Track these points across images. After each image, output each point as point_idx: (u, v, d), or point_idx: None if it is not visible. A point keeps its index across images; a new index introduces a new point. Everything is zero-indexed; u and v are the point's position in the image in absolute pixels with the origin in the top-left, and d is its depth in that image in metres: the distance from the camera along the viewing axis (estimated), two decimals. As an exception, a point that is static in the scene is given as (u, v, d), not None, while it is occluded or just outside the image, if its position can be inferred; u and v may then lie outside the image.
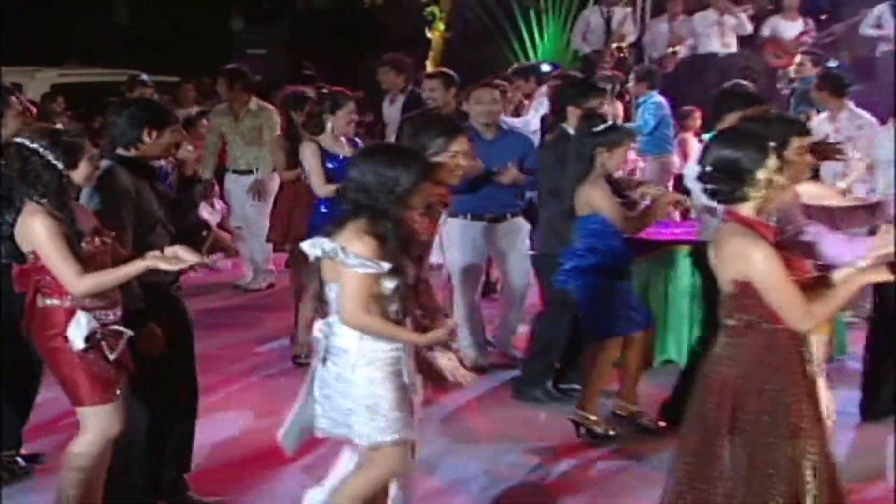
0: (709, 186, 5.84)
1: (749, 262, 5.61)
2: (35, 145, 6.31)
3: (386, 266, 5.95)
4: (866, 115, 12.59)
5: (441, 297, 10.66)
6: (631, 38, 19.99)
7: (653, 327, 9.49)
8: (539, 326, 10.02)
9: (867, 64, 18.50)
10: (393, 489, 6.60)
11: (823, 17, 19.86)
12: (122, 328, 6.54)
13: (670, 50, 19.36)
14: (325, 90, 11.64)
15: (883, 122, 11.79)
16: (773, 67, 18.67)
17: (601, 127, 9.01)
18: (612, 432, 9.01)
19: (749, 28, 19.28)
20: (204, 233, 15.32)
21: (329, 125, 10.37)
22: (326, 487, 6.74)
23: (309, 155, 10.26)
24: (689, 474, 5.87)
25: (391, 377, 6.12)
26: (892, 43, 18.00)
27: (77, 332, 6.30)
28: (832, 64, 19.25)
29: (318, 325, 6.26)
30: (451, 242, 10.60)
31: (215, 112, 14.01)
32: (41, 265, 6.34)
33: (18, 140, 6.47)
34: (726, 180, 5.74)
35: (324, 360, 6.15)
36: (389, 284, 5.94)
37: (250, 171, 13.54)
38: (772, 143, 5.75)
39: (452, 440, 8.99)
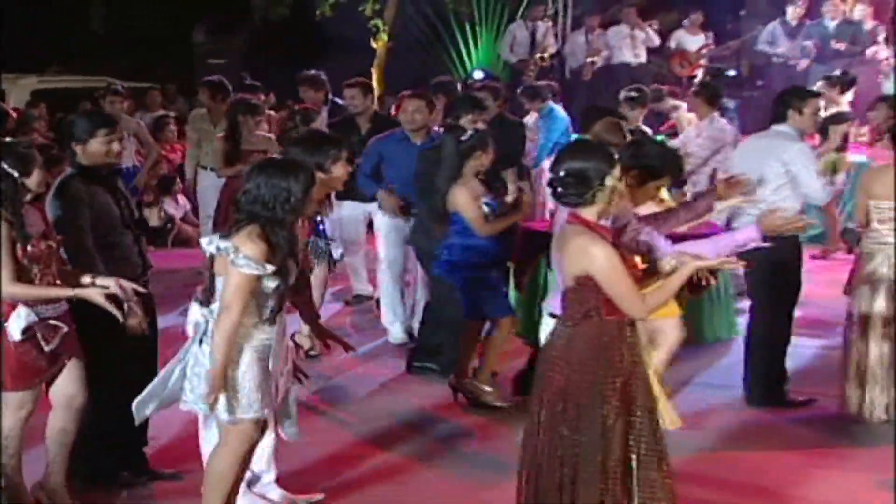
0: (559, 191, 5.88)
1: (591, 258, 5.65)
2: (4, 166, 6.34)
3: (270, 268, 5.98)
4: (728, 127, 12.73)
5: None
6: (552, 50, 20.27)
7: (514, 313, 9.39)
8: (425, 311, 10.12)
9: (761, 73, 19.12)
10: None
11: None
12: (59, 323, 6.55)
13: (588, 60, 19.66)
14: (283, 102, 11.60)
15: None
16: (679, 76, 19.08)
17: (467, 135, 9.03)
18: (499, 403, 8.96)
19: (657, 41, 19.75)
20: (168, 225, 15.58)
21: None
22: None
23: None
24: (533, 457, 5.91)
25: (258, 362, 6.14)
26: (784, 56, 18.68)
27: (15, 324, 6.35)
28: (731, 73, 20.01)
29: (201, 311, 6.27)
30: (380, 235, 10.81)
31: (196, 117, 13.74)
32: None
33: None
34: (575, 186, 5.81)
35: (200, 342, 6.14)
36: (271, 284, 6.00)
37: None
38: (615, 156, 5.84)
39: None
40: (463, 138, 8.93)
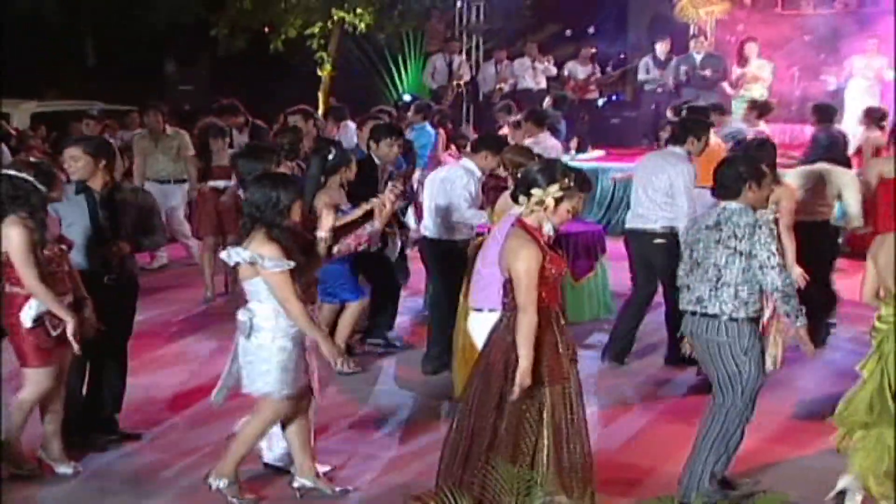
0: (515, 192, 5.95)
1: (517, 256, 5.67)
2: (25, 175, 6.55)
3: (291, 263, 6.06)
4: (555, 143, 12.93)
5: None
6: (467, 77, 20.47)
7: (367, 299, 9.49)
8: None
9: (639, 98, 19.76)
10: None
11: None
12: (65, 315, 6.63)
13: (497, 86, 19.84)
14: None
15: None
16: (573, 101, 18.84)
17: (333, 152, 9.02)
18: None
19: (554, 71, 19.98)
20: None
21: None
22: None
23: None
24: (465, 414, 5.91)
25: (296, 347, 6.24)
26: (656, 83, 19.17)
27: (28, 313, 6.54)
28: (615, 97, 20.51)
29: (239, 312, 6.29)
30: None
31: (139, 137, 13.48)
32: (9, 262, 6.53)
33: (10, 172, 6.65)
34: (522, 188, 5.87)
35: (248, 336, 6.21)
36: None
37: (168, 181, 12.97)
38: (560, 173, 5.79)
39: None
40: (329, 157, 8.95)
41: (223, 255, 6.33)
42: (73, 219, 7.18)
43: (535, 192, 5.76)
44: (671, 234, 8.93)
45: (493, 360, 5.79)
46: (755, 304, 6.24)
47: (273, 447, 6.95)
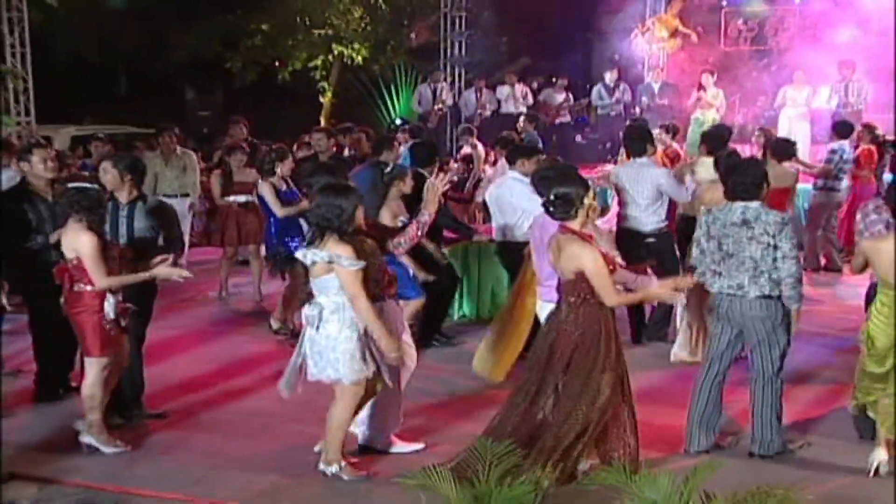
0: (551, 209, 6.13)
1: (583, 259, 5.92)
2: (95, 186, 6.76)
3: (363, 263, 6.04)
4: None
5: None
6: (449, 103, 20.47)
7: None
8: None
9: (599, 121, 19.93)
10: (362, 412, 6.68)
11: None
12: (129, 304, 6.84)
13: (478, 111, 19.82)
14: (268, 145, 11.66)
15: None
16: (546, 123, 19.20)
17: (390, 167, 9.14)
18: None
19: (531, 98, 20.02)
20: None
21: (278, 169, 10.12)
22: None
23: (267, 191, 9.99)
24: (527, 390, 6.12)
25: (361, 337, 6.13)
26: (609, 107, 19.39)
27: (108, 307, 6.62)
28: (582, 120, 20.67)
29: (307, 307, 6.22)
30: None
31: (150, 157, 12.85)
32: (80, 264, 6.57)
33: (79, 185, 6.76)
34: (564, 205, 6.09)
35: (317, 328, 6.13)
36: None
37: (175, 195, 12.43)
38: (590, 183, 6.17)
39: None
40: (385, 171, 8.97)
41: (299, 254, 6.24)
42: None
43: (586, 201, 6.06)
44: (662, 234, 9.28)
45: (563, 352, 6.02)
46: (790, 287, 6.52)
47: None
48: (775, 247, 6.41)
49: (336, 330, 6.12)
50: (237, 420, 7.64)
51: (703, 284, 6.80)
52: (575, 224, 6.09)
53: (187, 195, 12.98)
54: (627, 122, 14.75)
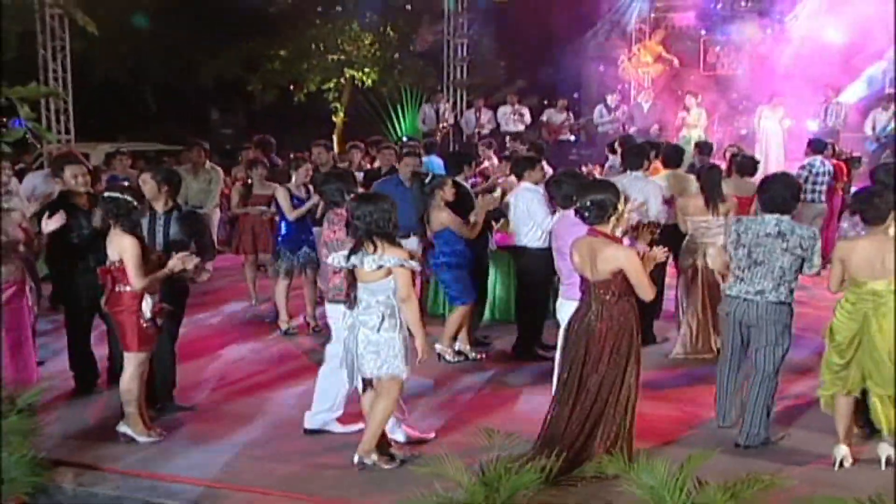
0: (585, 214, 6.01)
1: (621, 259, 5.85)
2: (124, 196, 6.66)
3: (417, 265, 6.04)
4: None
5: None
6: (451, 122, 20.46)
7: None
8: None
9: (594, 136, 19.72)
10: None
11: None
12: (166, 305, 6.83)
13: (477, 129, 19.83)
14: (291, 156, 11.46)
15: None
16: (547, 140, 19.13)
17: (430, 176, 9.06)
18: (474, 355, 8.84)
19: (529, 118, 19.83)
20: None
21: (294, 177, 10.03)
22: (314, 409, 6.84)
23: (282, 195, 9.90)
24: (570, 388, 6.01)
25: (405, 338, 6.06)
26: (609, 125, 19.30)
27: (146, 307, 6.60)
28: (576, 138, 20.53)
29: (365, 310, 6.01)
30: None
31: (182, 170, 12.46)
32: (122, 267, 6.57)
33: (111, 194, 6.73)
34: (597, 211, 6.01)
35: (378, 329, 5.97)
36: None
37: (200, 207, 11.92)
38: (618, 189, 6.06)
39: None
40: (426, 181, 8.89)
41: (368, 260, 5.93)
42: None
43: (619, 207, 5.98)
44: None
45: (600, 347, 5.96)
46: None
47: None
48: (803, 259, 6.47)
49: (394, 330, 6.02)
50: (259, 412, 7.58)
51: (709, 287, 6.73)
52: (605, 228, 6.01)
53: (214, 207, 12.88)
54: (618, 139, 14.57)
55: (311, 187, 10.04)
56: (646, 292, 5.92)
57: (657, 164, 12.64)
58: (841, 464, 6.26)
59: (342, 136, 23.32)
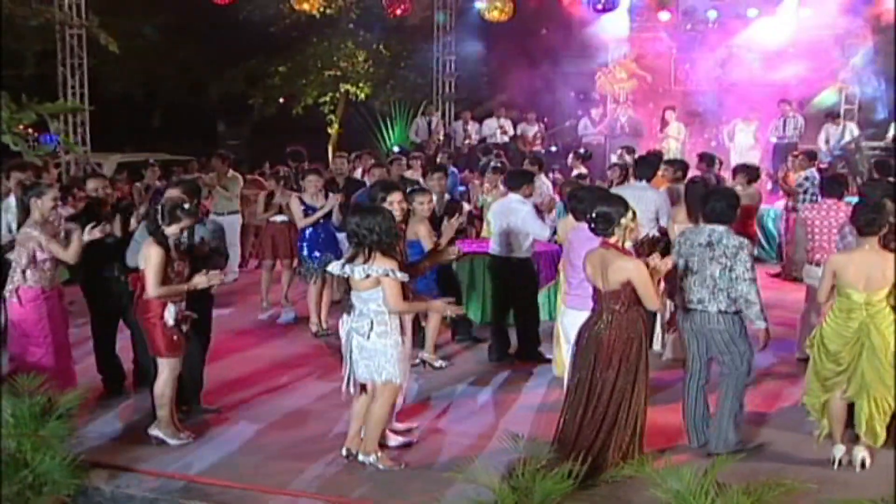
0: (592, 226, 5.90)
1: (630, 271, 5.70)
2: (182, 198, 6.50)
3: (406, 276, 5.89)
4: (546, 181, 12.39)
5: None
6: (442, 133, 20.27)
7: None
8: None
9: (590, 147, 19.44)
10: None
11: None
12: (190, 312, 6.58)
13: (465, 141, 19.64)
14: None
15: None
16: (523, 152, 18.67)
17: (412, 189, 8.52)
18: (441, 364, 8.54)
19: (511, 130, 19.64)
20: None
21: (304, 186, 9.84)
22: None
23: (293, 204, 9.76)
24: (581, 393, 5.85)
25: (401, 343, 5.99)
26: (594, 136, 19.00)
27: (168, 315, 6.38)
28: (553, 148, 20.38)
29: (355, 319, 5.90)
30: None
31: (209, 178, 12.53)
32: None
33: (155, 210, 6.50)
34: (603, 223, 5.87)
35: (368, 336, 5.85)
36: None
37: (223, 213, 11.93)
38: (623, 203, 5.89)
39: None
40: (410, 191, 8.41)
41: (358, 269, 5.80)
42: None
43: (623, 221, 5.81)
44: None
45: (610, 355, 5.79)
46: (746, 307, 6.24)
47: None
48: (731, 268, 6.15)
49: (385, 336, 5.89)
50: (281, 415, 7.35)
51: None
52: (615, 240, 5.86)
53: (235, 212, 12.55)
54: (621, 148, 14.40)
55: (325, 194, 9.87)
56: (652, 303, 5.79)
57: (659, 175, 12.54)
58: (839, 463, 6.09)
59: (336, 146, 23.03)
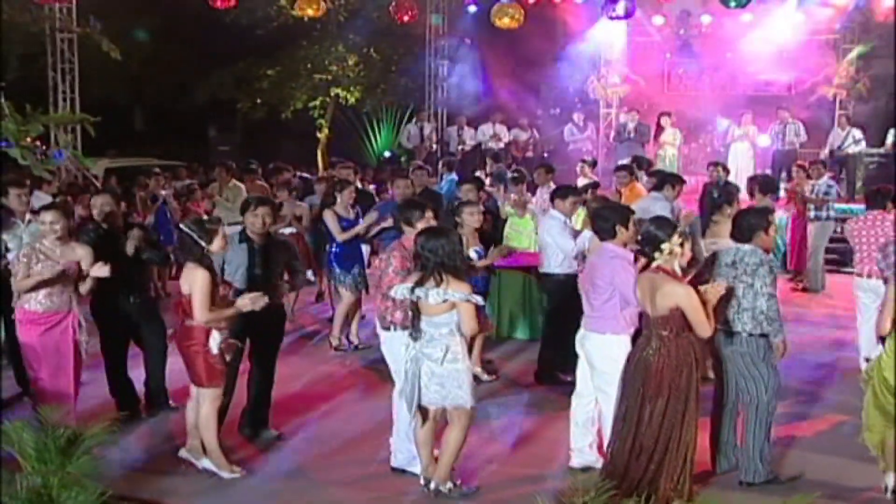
0: (644, 250, 5.71)
1: (679, 296, 5.47)
2: (187, 229, 6.07)
3: (479, 298, 5.71)
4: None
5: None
6: (435, 138, 20.12)
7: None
8: None
9: (566, 153, 19.14)
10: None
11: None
12: (234, 340, 6.27)
13: (459, 146, 19.34)
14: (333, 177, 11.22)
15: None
16: (516, 158, 18.63)
17: (460, 201, 8.43)
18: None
19: (507, 136, 19.30)
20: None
21: (339, 199, 9.57)
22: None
23: (330, 218, 9.46)
24: (630, 422, 5.62)
25: (469, 368, 5.78)
26: (580, 142, 18.94)
27: (213, 343, 6.05)
28: (545, 155, 20.05)
29: (428, 344, 5.64)
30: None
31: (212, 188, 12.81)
32: (189, 299, 6.01)
33: (181, 225, 6.25)
34: (648, 244, 5.67)
35: (442, 362, 5.60)
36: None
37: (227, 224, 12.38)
38: (671, 226, 5.70)
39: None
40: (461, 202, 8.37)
41: (431, 294, 5.52)
42: (237, 262, 6.76)
43: (665, 246, 5.57)
44: None
45: (658, 383, 5.55)
46: (766, 323, 6.02)
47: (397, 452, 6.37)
48: (752, 285, 5.97)
49: (456, 361, 5.64)
50: (321, 439, 7.03)
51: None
52: (662, 264, 5.62)
53: (238, 223, 12.22)
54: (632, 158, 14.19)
55: (357, 208, 9.76)
56: (704, 329, 5.51)
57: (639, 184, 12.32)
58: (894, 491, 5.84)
59: (326, 151, 22.81)
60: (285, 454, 6.73)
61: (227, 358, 6.24)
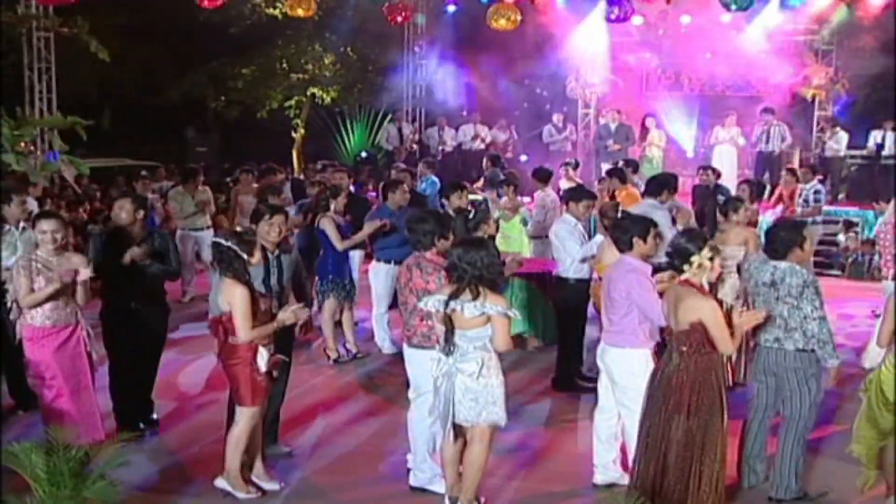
0: (674, 262, 5.57)
1: (703, 311, 5.32)
2: (228, 243, 5.79)
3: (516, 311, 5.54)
4: (552, 195, 11.97)
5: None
6: (415, 139, 19.89)
7: None
8: None
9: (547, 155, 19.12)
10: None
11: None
12: (281, 356, 6.03)
13: (440, 147, 19.10)
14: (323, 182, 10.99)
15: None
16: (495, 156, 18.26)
17: (474, 212, 8.21)
18: None
19: (488, 137, 19.09)
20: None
21: (332, 205, 9.35)
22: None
23: (328, 225, 9.13)
24: (654, 440, 5.46)
25: (503, 384, 5.54)
26: (558, 143, 18.87)
27: (261, 360, 5.80)
28: (524, 158, 19.87)
29: (463, 358, 5.41)
30: (378, 279, 9.33)
31: (178, 192, 12.44)
32: (230, 317, 5.77)
33: (216, 239, 5.96)
34: (678, 258, 5.53)
35: (478, 377, 5.38)
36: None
37: (199, 229, 12.03)
38: (702, 239, 5.54)
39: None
40: (470, 216, 8.10)
41: (470, 307, 5.31)
42: (253, 273, 6.33)
43: (694, 259, 5.42)
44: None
45: (680, 399, 5.36)
46: (818, 347, 5.90)
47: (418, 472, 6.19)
48: (799, 307, 5.85)
49: (494, 378, 5.45)
50: (331, 456, 6.84)
51: None
52: (690, 277, 5.47)
53: (209, 227, 12.17)
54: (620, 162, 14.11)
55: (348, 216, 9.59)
56: (726, 346, 5.36)
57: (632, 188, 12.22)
58: None
59: (301, 151, 22.61)
60: (298, 473, 6.51)
61: (275, 374, 6.01)
